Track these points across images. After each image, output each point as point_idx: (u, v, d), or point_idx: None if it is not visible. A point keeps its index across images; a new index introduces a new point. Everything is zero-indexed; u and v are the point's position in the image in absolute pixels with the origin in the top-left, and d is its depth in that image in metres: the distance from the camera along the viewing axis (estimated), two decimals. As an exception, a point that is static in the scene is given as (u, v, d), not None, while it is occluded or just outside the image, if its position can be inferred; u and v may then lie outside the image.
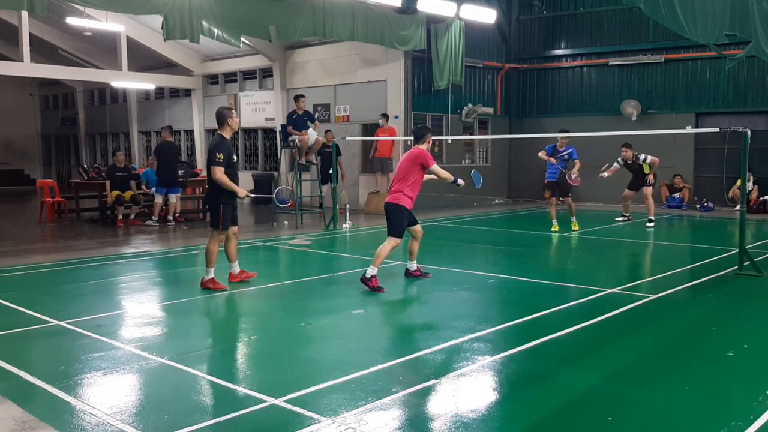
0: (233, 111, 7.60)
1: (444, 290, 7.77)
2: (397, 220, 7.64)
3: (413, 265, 8.19)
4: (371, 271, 7.45)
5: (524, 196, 19.87)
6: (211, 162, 7.27)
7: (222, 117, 7.44)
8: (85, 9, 14.70)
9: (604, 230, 13.07)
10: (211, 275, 7.50)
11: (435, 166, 7.71)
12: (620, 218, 14.14)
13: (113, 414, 4.03)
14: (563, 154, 12.36)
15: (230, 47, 15.64)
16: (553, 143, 12.58)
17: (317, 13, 14.10)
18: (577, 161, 12.28)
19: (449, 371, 4.78)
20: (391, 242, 7.61)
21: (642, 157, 13.28)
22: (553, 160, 12.41)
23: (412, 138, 8.02)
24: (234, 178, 7.47)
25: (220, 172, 7.23)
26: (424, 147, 7.75)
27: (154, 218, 13.81)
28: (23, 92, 28.08)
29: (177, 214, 14.23)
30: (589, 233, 12.71)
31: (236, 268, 7.94)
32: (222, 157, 7.20)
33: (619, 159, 13.46)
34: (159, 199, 13.92)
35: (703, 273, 8.64)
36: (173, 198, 13.99)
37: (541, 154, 12.62)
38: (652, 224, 13.29)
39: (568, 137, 12.29)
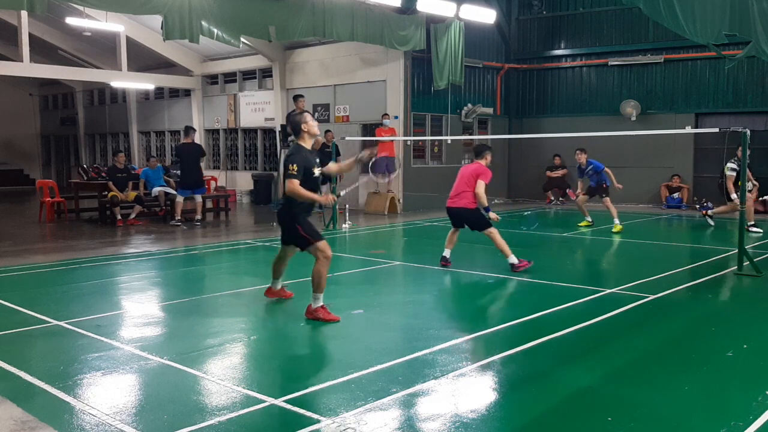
0: (306, 114, 6.46)
1: (444, 290, 7.76)
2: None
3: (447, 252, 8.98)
4: (512, 259, 8.43)
5: (524, 196, 19.87)
6: (284, 175, 6.18)
7: (296, 125, 6.34)
8: (84, 9, 14.69)
9: (604, 230, 13.06)
10: (321, 302, 6.21)
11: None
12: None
13: (113, 414, 4.03)
14: (588, 170, 12.93)
15: (230, 47, 15.64)
16: (577, 164, 13.22)
17: (317, 14, 14.09)
18: (606, 170, 12.87)
19: (449, 371, 4.78)
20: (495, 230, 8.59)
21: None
22: (579, 186, 13.43)
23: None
24: (315, 192, 6.37)
25: (292, 185, 6.09)
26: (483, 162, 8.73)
27: (177, 218, 13.75)
28: (23, 92, 28.08)
29: (199, 216, 14.17)
30: (589, 233, 12.71)
31: (278, 284, 7.02)
32: (295, 168, 6.07)
33: (734, 165, 12.02)
34: (180, 199, 13.89)
35: (703, 273, 8.65)
36: (180, 198, 13.97)
37: (580, 186, 13.45)
38: (757, 229, 12.47)
39: (583, 153, 12.85)
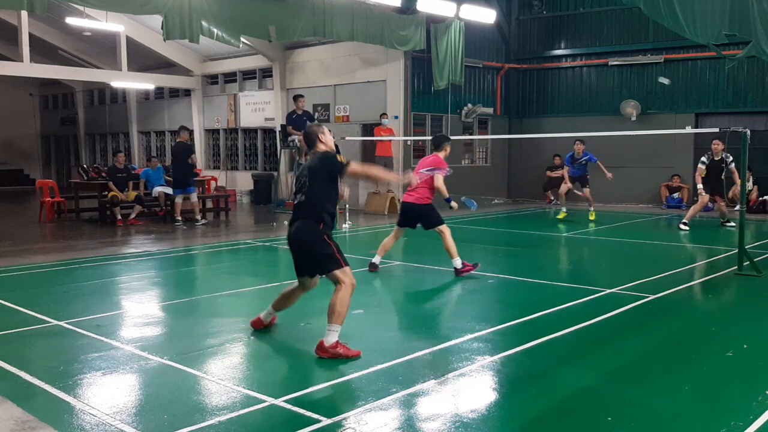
0: (324, 128, 5.78)
1: (444, 290, 7.77)
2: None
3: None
4: (457, 262, 8.25)
5: (524, 196, 19.87)
6: (332, 172, 5.39)
7: (312, 136, 5.65)
8: (84, 9, 14.69)
9: (604, 230, 13.07)
10: (337, 336, 5.09)
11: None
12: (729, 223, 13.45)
13: (113, 414, 4.03)
14: (581, 160, 14.06)
15: (230, 47, 15.64)
16: (571, 152, 14.25)
17: (317, 13, 14.09)
18: (598, 162, 14.03)
19: (449, 371, 4.78)
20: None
21: (730, 159, 12.50)
22: (564, 174, 14.47)
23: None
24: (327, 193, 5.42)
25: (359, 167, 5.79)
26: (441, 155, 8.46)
27: (178, 218, 13.77)
28: (23, 92, 28.07)
29: (198, 216, 14.17)
30: (589, 233, 12.72)
31: (271, 317, 5.99)
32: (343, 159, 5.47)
33: (704, 158, 12.66)
34: (178, 199, 13.90)
35: (703, 273, 8.65)
36: (178, 198, 13.98)
37: (565, 173, 14.42)
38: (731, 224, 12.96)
39: (582, 144, 13.94)
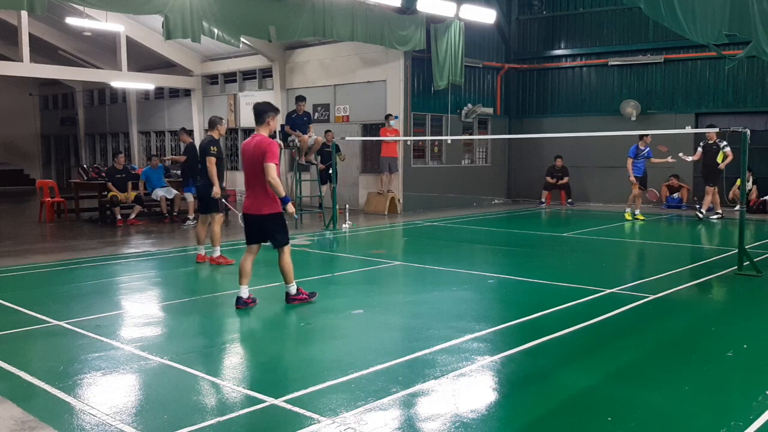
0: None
1: (444, 290, 7.76)
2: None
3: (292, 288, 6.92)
4: (293, 288, 6.80)
5: (524, 196, 19.87)
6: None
7: (212, 124, 9.18)
8: (84, 9, 14.69)
9: (604, 230, 13.07)
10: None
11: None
12: (714, 216, 14.66)
13: (113, 414, 4.03)
14: (644, 152, 14.51)
15: (230, 47, 15.64)
16: (634, 144, 14.56)
17: (317, 14, 14.09)
18: (652, 158, 14.58)
19: (449, 371, 4.78)
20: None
21: (723, 144, 13.95)
22: (629, 167, 14.49)
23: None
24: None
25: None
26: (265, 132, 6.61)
27: (191, 217, 13.89)
28: (23, 92, 28.09)
29: (189, 215, 14.25)
30: (589, 233, 12.71)
31: (202, 250, 9.61)
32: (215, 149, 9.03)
33: (702, 143, 14.34)
34: (191, 198, 13.98)
35: (703, 273, 8.65)
36: (190, 197, 14.07)
37: (629, 163, 14.45)
38: (716, 217, 14.47)
39: (650, 138, 14.36)
